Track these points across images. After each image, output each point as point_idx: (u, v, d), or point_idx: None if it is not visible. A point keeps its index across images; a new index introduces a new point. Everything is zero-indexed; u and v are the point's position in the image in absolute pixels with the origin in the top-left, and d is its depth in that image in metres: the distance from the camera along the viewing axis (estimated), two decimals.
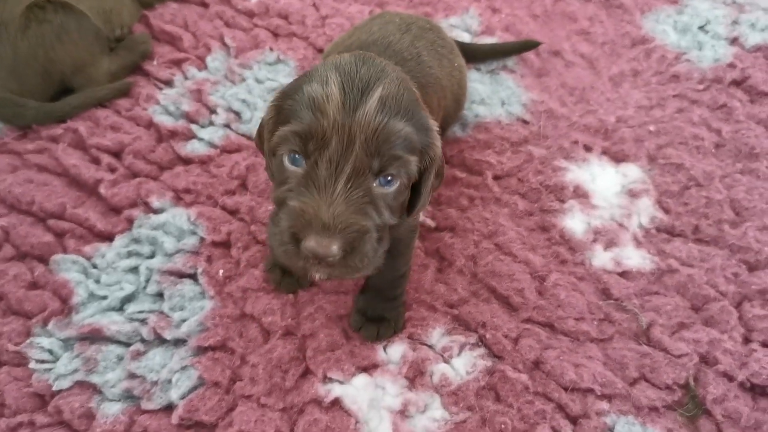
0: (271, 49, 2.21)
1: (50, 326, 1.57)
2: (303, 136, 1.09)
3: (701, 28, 2.35)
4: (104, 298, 1.62)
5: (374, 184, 1.12)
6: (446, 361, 1.55)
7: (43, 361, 1.52)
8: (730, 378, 1.53)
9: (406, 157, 1.12)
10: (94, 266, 1.68)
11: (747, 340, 1.61)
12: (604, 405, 1.49)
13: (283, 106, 1.16)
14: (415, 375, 1.52)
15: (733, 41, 2.30)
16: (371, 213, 1.11)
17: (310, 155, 1.10)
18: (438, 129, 1.25)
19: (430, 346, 1.57)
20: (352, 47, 1.57)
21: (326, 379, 1.51)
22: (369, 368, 1.53)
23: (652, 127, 2.04)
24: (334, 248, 1.05)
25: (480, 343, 1.59)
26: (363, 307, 1.59)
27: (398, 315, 1.60)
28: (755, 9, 2.40)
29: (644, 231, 1.81)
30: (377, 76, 1.13)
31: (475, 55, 2.15)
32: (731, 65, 2.21)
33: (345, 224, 1.06)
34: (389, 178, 1.13)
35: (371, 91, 1.10)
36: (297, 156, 1.12)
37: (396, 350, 1.56)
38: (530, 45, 2.22)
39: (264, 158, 1.32)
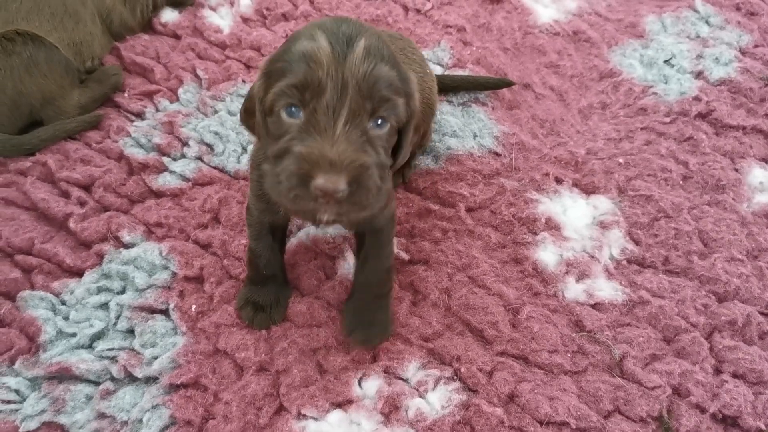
0: (243, 81, 2.21)
1: (17, 365, 1.54)
2: (299, 87, 1.15)
3: (667, 62, 2.40)
4: (73, 335, 1.59)
5: (369, 126, 1.18)
6: (421, 396, 1.54)
7: (9, 402, 1.49)
8: (702, 410, 1.55)
9: (395, 99, 1.20)
10: (63, 303, 1.65)
11: (718, 371, 1.63)
12: None
13: (273, 69, 1.22)
14: (391, 410, 1.51)
15: (698, 75, 2.35)
16: (370, 151, 1.17)
17: (307, 104, 1.16)
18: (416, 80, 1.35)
19: (406, 380, 1.57)
20: None
21: (300, 416, 1.49)
22: (344, 404, 1.52)
23: (621, 159, 2.07)
24: (342, 183, 1.10)
25: (455, 377, 1.58)
26: (353, 310, 1.63)
27: (387, 318, 1.63)
28: (719, 43, 2.46)
29: (615, 262, 1.83)
30: (357, 30, 1.20)
31: (448, 85, 2.18)
32: (696, 98, 2.25)
33: (349, 160, 1.11)
34: (380, 121, 1.20)
35: (356, 42, 1.17)
36: (294, 108, 1.18)
37: (371, 385, 1.55)
38: (504, 83, 2.25)
39: (250, 133, 1.38)
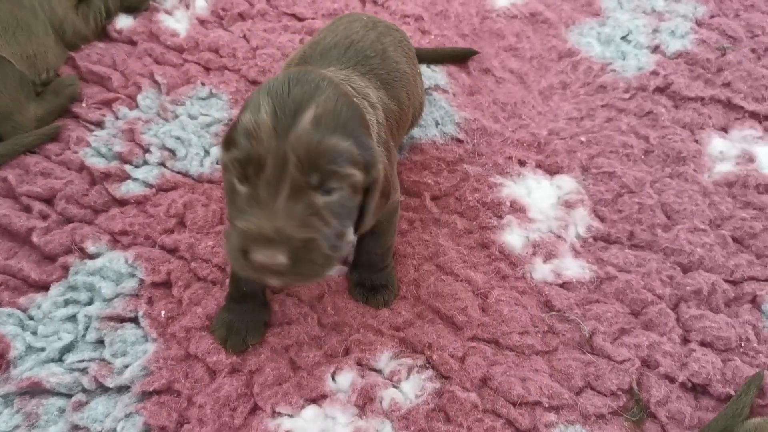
0: (203, 84, 2.20)
1: None
2: (242, 162, 1.16)
3: (624, 38, 2.42)
4: (42, 349, 1.57)
5: (318, 196, 1.17)
6: (395, 386, 1.55)
7: None
8: (672, 379, 1.57)
9: (345, 171, 1.17)
10: (31, 318, 1.64)
11: (686, 341, 1.65)
12: (552, 416, 1.51)
13: (228, 137, 1.22)
14: (365, 402, 1.52)
15: (655, 49, 2.37)
16: (317, 224, 1.17)
17: (249, 179, 1.16)
18: (381, 148, 1.35)
19: (379, 371, 1.58)
20: (316, 52, 1.62)
21: (275, 414, 1.50)
22: (318, 399, 1.53)
23: (583, 138, 2.08)
24: (280, 258, 1.12)
25: (427, 365, 1.59)
26: (359, 280, 1.70)
27: (392, 280, 1.71)
28: (674, 16, 2.48)
29: (581, 241, 1.85)
30: (310, 94, 1.18)
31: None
32: (654, 73, 2.27)
33: (288, 236, 1.12)
34: (329, 189, 1.18)
35: (304, 112, 1.15)
36: (239, 180, 1.19)
37: (345, 378, 1.55)
38: (468, 53, 2.32)
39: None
